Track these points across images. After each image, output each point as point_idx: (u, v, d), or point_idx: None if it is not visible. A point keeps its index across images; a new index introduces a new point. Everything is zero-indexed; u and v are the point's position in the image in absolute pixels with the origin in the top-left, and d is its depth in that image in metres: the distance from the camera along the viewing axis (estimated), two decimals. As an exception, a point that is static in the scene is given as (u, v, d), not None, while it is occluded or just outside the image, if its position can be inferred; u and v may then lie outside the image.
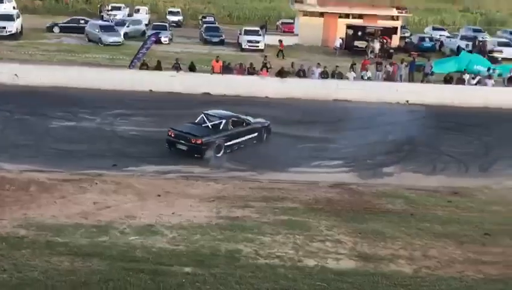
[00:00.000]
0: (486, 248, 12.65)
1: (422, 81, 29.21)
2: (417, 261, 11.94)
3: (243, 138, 19.24)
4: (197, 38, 41.01)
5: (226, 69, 27.88)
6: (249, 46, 37.35)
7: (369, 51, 36.79)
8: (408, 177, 17.72)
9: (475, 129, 23.00)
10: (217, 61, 28.08)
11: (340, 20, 40.82)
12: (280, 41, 36.52)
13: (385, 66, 29.77)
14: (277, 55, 34.92)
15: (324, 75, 27.93)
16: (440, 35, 44.63)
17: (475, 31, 46.50)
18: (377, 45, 37.21)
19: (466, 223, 14.03)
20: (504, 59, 36.36)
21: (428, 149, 20.38)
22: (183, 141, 18.04)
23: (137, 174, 16.54)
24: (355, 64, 29.29)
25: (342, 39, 38.82)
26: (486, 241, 13.00)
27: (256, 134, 19.77)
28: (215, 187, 15.68)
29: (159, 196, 14.66)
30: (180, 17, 49.70)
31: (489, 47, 38.40)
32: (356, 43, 38.37)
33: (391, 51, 37.45)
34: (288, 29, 45.36)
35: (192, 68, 28.24)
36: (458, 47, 39.38)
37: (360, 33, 38.79)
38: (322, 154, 19.21)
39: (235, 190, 15.50)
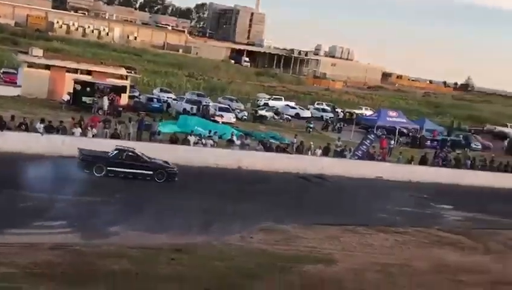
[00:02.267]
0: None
1: (150, 140, 29.90)
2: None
3: (133, 170, 23.42)
4: None
5: None
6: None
7: (97, 108, 36.49)
8: (133, 236, 17.63)
9: (196, 186, 24.23)
10: None
11: (68, 74, 39.88)
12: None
13: (116, 124, 29.83)
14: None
15: (49, 129, 26.71)
16: (167, 97, 46.79)
17: (199, 95, 49.99)
18: (105, 102, 37.14)
19: (188, 279, 14.49)
20: (224, 123, 39.57)
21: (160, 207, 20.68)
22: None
23: None
24: (82, 120, 28.69)
25: (70, 94, 37.86)
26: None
27: (151, 172, 23.68)
28: None
29: None
30: None
31: (211, 111, 41.49)
32: (84, 98, 37.71)
33: (120, 109, 37.71)
34: (10, 79, 42.55)
35: None
36: (184, 109, 41.67)
37: (88, 89, 38.28)
38: (44, 214, 18.06)
39: None
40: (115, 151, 23.72)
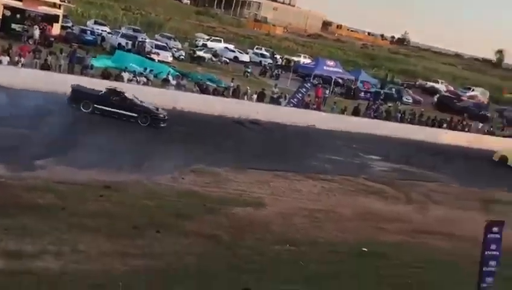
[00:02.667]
0: (134, 241, 13.19)
1: (81, 74, 28.91)
2: (65, 256, 11.76)
3: (118, 111, 23.89)
4: None
5: None
6: None
7: (27, 37, 34.80)
8: (61, 170, 17.18)
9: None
10: None
11: (-3, -2, 37.59)
12: None
13: (47, 55, 28.60)
14: None
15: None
16: (102, 30, 45.08)
17: (135, 31, 48.43)
18: (36, 31, 35.45)
19: (116, 217, 14.38)
20: (160, 61, 38.74)
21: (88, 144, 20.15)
22: None
23: None
24: (11, 48, 27.32)
25: (-2, 20, 35.86)
26: (134, 234, 13.55)
27: (136, 115, 24.06)
28: None
29: None
30: None
31: (147, 48, 40.40)
32: (14, 26, 35.82)
33: (51, 39, 36.12)
34: None
35: None
36: (119, 44, 40.36)
37: (18, 16, 36.34)
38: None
39: None
40: (105, 90, 24.38)
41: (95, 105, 23.86)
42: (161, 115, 24.78)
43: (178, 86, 31.27)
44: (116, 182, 16.91)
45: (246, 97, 32.89)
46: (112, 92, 24.38)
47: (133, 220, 14.28)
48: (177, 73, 34.60)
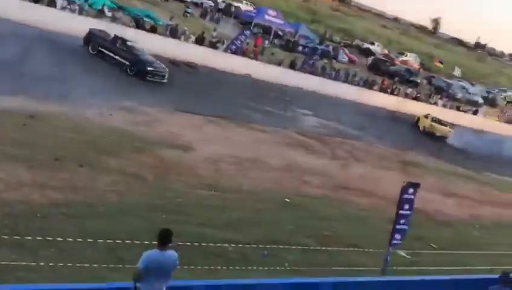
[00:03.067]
0: (54, 173, 12.88)
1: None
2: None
3: (115, 57, 24.99)
4: None
5: None
6: None
7: None
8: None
9: (59, 55, 22.89)
10: None
11: None
12: None
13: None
14: None
15: None
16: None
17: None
18: None
19: (38, 147, 13.97)
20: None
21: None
22: None
23: None
24: None
25: None
26: (55, 166, 13.23)
27: (128, 64, 24.70)
28: None
29: None
30: None
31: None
32: None
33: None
34: None
35: None
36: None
37: None
38: None
39: None
40: (112, 36, 25.76)
41: (100, 48, 25.29)
42: (148, 68, 24.72)
43: (113, 19, 30.17)
44: (40, 112, 16.37)
45: (183, 37, 32.22)
46: (118, 38, 25.47)
47: (54, 152, 13.89)
48: (113, 5, 33.32)
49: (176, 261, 6.92)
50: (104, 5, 31.40)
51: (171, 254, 6.89)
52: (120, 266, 9.51)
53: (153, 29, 31.46)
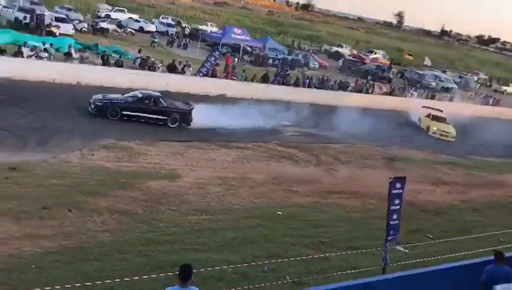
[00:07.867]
0: (44, 222, 12.77)
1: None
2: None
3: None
4: None
5: None
6: None
7: None
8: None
9: (31, 103, 22.82)
10: None
11: None
12: None
13: None
14: None
15: None
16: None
17: (33, 3, 45.91)
18: None
19: (24, 198, 13.83)
20: (61, 34, 37.14)
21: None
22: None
23: None
24: None
25: None
26: (44, 215, 13.12)
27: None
28: None
29: None
30: None
31: (47, 21, 38.53)
32: None
33: None
34: None
35: None
36: (16, 18, 38.26)
37: None
38: None
39: None
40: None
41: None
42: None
43: (81, 60, 30.14)
44: (20, 162, 16.27)
45: (153, 68, 32.25)
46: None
47: (41, 201, 13.79)
48: (80, 46, 33.31)
49: (197, 297, 6.98)
50: (70, 46, 31.34)
51: (193, 289, 6.93)
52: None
53: (117, 64, 31.20)
